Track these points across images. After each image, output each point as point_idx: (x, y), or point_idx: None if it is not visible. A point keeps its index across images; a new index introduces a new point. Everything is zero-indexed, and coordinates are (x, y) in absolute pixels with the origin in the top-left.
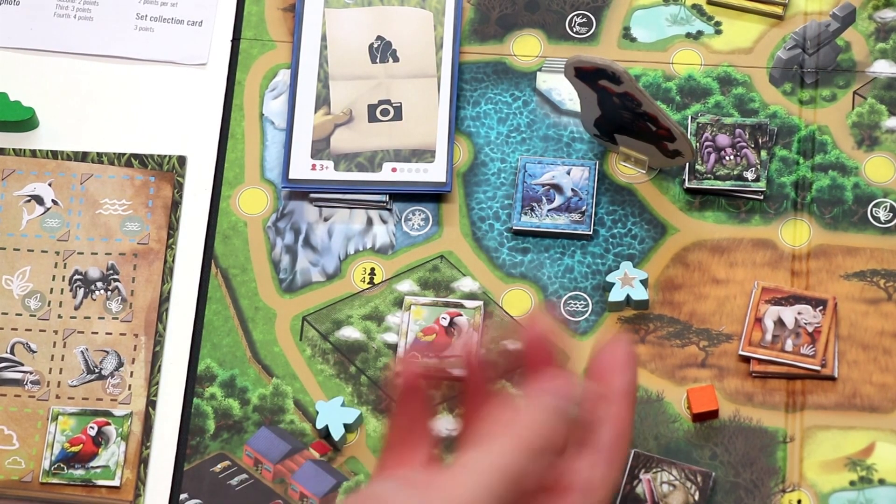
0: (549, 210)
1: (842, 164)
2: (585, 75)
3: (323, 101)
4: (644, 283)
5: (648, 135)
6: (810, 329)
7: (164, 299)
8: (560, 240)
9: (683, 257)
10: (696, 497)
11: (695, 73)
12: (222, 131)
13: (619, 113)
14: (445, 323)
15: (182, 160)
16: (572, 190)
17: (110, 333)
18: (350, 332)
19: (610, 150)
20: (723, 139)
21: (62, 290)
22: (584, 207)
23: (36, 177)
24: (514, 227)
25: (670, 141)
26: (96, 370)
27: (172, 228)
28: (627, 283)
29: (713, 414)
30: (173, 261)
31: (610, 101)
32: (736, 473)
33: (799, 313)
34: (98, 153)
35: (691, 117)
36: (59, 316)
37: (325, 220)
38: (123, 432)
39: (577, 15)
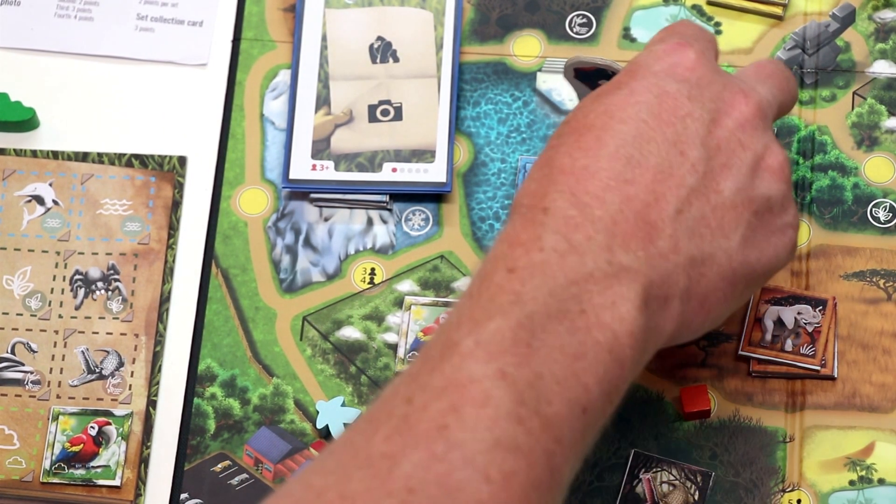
0: None
1: (841, 164)
2: (585, 76)
3: (323, 101)
4: None
5: None
6: (810, 329)
7: (164, 299)
8: None
9: None
10: (696, 497)
11: None
12: (223, 131)
13: None
14: None
15: (182, 160)
16: None
17: (111, 333)
18: (350, 332)
19: None
20: None
21: (63, 290)
22: None
23: (36, 177)
24: None
25: None
26: (97, 370)
27: (173, 228)
28: None
29: (705, 413)
30: (174, 261)
31: None
32: (735, 473)
33: (798, 313)
34: (98, 153)
35: None
36: (60, 316)
37: (326, 220)
38: (124, 432)
39: (577, 15)
